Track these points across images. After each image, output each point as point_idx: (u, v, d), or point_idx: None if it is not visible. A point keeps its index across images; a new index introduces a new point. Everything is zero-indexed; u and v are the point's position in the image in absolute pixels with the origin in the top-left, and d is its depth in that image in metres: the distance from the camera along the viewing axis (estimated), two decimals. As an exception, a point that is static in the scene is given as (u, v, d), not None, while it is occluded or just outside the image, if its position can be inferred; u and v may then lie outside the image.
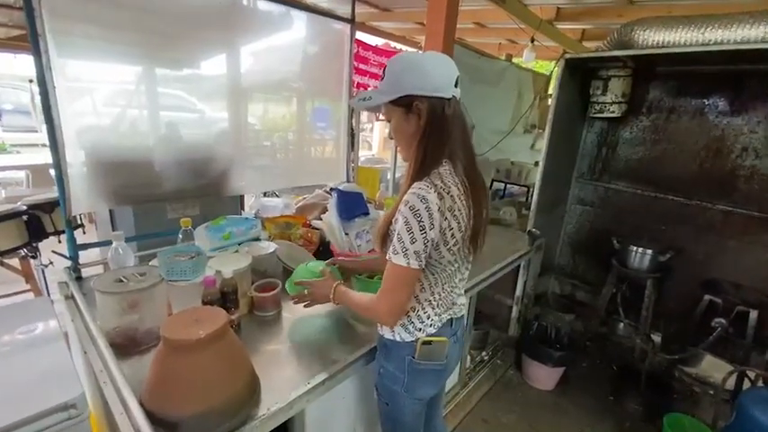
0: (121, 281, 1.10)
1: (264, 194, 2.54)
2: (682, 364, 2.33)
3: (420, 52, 0.95)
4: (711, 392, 2.29)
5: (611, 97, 2.39)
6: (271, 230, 1.75)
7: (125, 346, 1.09)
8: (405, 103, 0.93)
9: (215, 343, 0.83)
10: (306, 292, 1.19)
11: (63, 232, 2.20)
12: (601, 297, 2.60)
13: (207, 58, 1.78)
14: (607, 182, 2.73)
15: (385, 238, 1.00)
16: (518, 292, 2.53)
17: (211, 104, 1.81)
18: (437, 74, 0.91)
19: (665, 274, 2.36)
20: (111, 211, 1.75)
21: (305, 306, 1.22)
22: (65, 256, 1.44)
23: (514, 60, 4.69)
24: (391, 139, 1.04)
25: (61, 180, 1.36)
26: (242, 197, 2.50)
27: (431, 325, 1.02)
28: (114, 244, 1.22)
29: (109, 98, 1.53)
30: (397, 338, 1.03)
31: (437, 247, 0.92)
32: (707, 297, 2.16)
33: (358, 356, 1.14)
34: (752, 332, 2.02)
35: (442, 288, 1.01)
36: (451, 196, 0.90)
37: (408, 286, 0.94)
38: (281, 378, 1.03)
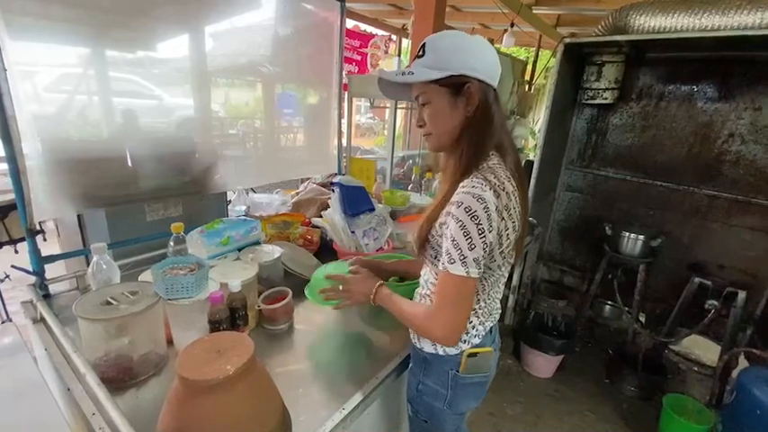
0: (110, 303, 0.92)
1: (246, 191, 2.34)
2: (671, 345, 2.40)
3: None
4: (696, 369, 2.39)
5: (604, 83, 2.38)
6: (267, 231, 1.59)
7: (119, 378, 0.92)
8: (454, 84, 0.81)
9: (245, 377, 0.70)
10: (341, 287, 1.03)
11: (20, 240, 1.93)
12: (593, 282, 2.63)
13: (178, 38, 1.57)
14: (596, 169, 2.75)
15: (425, 242, 0.90)
16: (515, 281, 2.52)
17: (197, 93, 1.61)
18: (490, 59, 0.82)
19: (654, 259, 2.42)
20: (79, 214, 1.52)
21: (336, 307, 1.06)
22: (27, 271, 1.22)
23: (495, 46, 4.63)
24: (420, 127, 0.91)
25: (19, 182, 1.14)
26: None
27: (476, 335, 0.93)
28: (95, 257, 1.03)
29: (73, 84, 1.30)
30: (440, 352, 0.94)
31: (491, 252, 0.82)
32: (697, 279, 2.22)
33: (390, 371, 1.03)
34: (740, 312, 2.09)
35: (488, 295, 0.92)
36: (507, 194, 0.80)
37: (468, 299, 0.83)
38: (309, 404, 0.90)
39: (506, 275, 0.97)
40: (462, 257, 0.77)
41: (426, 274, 0.97)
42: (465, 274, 0.78)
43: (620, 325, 2.74)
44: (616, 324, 2.79)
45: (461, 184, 0.79)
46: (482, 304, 0.92)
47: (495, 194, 0.77)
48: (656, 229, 2.44)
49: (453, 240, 0.77)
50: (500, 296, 1.00)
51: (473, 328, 0.93)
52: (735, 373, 2.10)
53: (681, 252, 2.47)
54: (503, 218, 0.80)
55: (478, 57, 0.81)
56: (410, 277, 1.21)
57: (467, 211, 0.76)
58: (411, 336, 1.02)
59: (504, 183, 0.81)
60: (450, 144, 0.87)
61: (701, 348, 2.49)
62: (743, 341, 2.20)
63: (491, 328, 0.99)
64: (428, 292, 0.95)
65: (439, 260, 0.83)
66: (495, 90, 0.85)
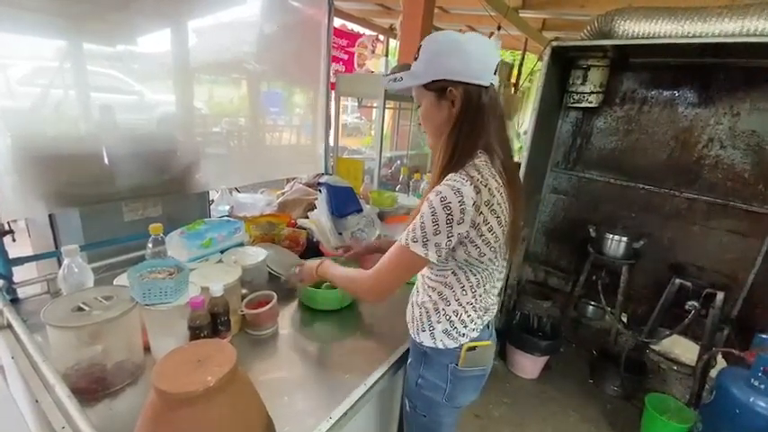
0: (81, 309, 0.87)
1: (229, 190, 2.28)
2: (652, 345, 2.45)
3: (458, 32, 0.85)
4: (675, 368, 2.44)
5: (589, 87, 2.40)
6: (251, 232, 1.54)
7: (91, 389, 0.87)
8: (437, 88, 0.86)
9: (227, 388, 0.66)
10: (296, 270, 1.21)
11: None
12: (578, 283, 2.66)
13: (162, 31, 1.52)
14: (581, 171, 2.78)
15: None
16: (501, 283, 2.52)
17: (179, 90, 1.56)
18: (477, 58, 0.83)
19: (637, 260, 2.46)
20: (51, 214, 1.44)
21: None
22: (-7, 275, 1.16)
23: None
24: (419, 125, 0.96)
25: (-16, 180, 1.07)
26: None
27: (474, 329, 0.95)
28: (66, 260, 0.98)
29: (47, 78, 1.24)
30: (440, 346, 0.95)
31: (473, 242, 0.84)
32: (677, 281, 2.27)
33: (378, 377, 1.01)
34: (718, 313, 2.14)
35: (484, 289, 0.93)
36: (489, 189, 0.82)
37: (411, 273, 0.90)
38: (295, 414, 0.87)
39: (502, 270, 0.98)
40: (425, 239, 0.82)
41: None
42: (422, 254, 0.83)
43: (602, 325, 2.78)
44: (599, 324, 2.83)
45: (446, 178, 0.82)
46: (478, 298, 0.93)
47: (476, 190, 0.80)
48: (639, 231, 2.48)
49: (422, 222, 0.82)
50: (496, 291, 1.01)
51: (471, 321, 0.94)
52: (713, 373, 2.15)
53: (662, 253, 2.52)
54: (481, 212, 0.82)
55: (461, 60, 0.82)
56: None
57: (442, 200, 0.79)
58: (411, 331, 1.03)
59: (487, 179, 0.83)
60: (439, 142, 0.90)
61: (681, 348, 2.55)
62: (720, 341, 2.25)
63: (488, 322, 1.00)
64: (423, 284, 0.98)
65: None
66: (486, 88, 0.84)
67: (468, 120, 0.84)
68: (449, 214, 0.79)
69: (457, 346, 0.95)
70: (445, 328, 0.94)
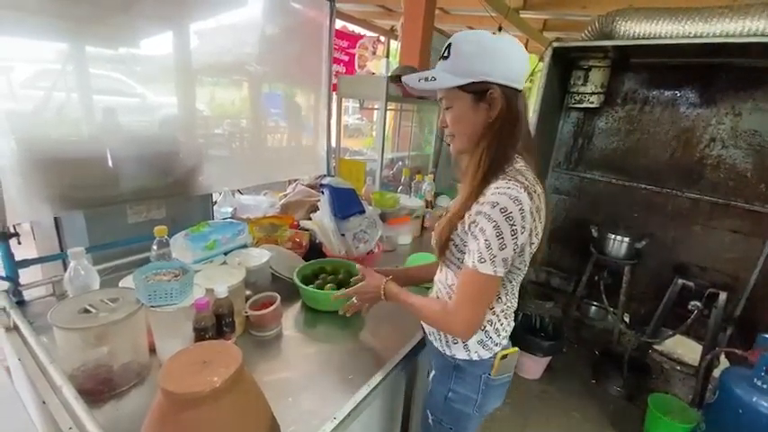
0: (88, 311, 0.88)
1: (232, 192, 2.29)
2: (655, 345, 2.45)
3: (490, 34, 0.82)
4: (679, 368, 2.44)
5: (591, 88, 2.41)
6: (254, 233, 1.55)
7: (97, 390, 0.88)
8: (477, 90, 0.81)
9: (232, 389, 0.67)
10: (354, 300, 1.08)
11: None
12: (580, 284, 2.66)
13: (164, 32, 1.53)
14: (582, 171, 2.79)
15: (447, 243, 0.89)
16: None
17: (181, 92, 1.57)
18: (516, 62, 0.81)
19: (639, 260, 2.46)
20: (56, 216, 1.45)
21: (363, 312, 1.12)
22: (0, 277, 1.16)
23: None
24: (443, 127, 0.91)
25: (-10, 183, 1.08)
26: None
27: (505, 337, 0.94)
28: (73, 263, 0.98)
29: (50, 81, 1.24)
30: (474, 357, 0.93)
31: (522, 251, 0.82)
32: (680, 281, 2.26)
33: (382, 378, 1.01)
34: (720, 313, 2.14)
35: (513, 296, 0.93)
36: (538, 195, 0.81)
37: (491, 297, 0.85)
38: (299, 414, 0.88)
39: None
40: (492, 257, 0.77)
41: (448, 277, 0.93)
42: (492, 273, 0.78)
43: (605, 326, 2.78)
44: (602, 325, 2.83)
45: (495, 186, 0.78)
46: (509, 305, 0.93)
47: (529, 196, 0.77)
48: (641, 231, 2.48)
49: (486, 240, 0.77)
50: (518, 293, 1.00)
51: (503, 329, 0.93)
52: (716, 373, 2.14)
53: (664, 254, 2.52)
54: (534, 218, 0.80)
55: (503, 61, 0.80)
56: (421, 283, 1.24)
57: (502, 211, 0.75)
58: (437, 345, 0.99)
59: (534, 185, 0.81)
60: (473, 147, 0.86)
61: (684, 348, 2.55)
62: (723, 341, 2.25)
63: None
64: (446, 294, 0.94)
65: (462, 261, 0.83)
66: (520, 92, 0.83)
67: (508, 123, 0.82)
68: (512, 225, 0.75)
69: (491, 355, 0.92)
70: (480, 339, 0.91)
